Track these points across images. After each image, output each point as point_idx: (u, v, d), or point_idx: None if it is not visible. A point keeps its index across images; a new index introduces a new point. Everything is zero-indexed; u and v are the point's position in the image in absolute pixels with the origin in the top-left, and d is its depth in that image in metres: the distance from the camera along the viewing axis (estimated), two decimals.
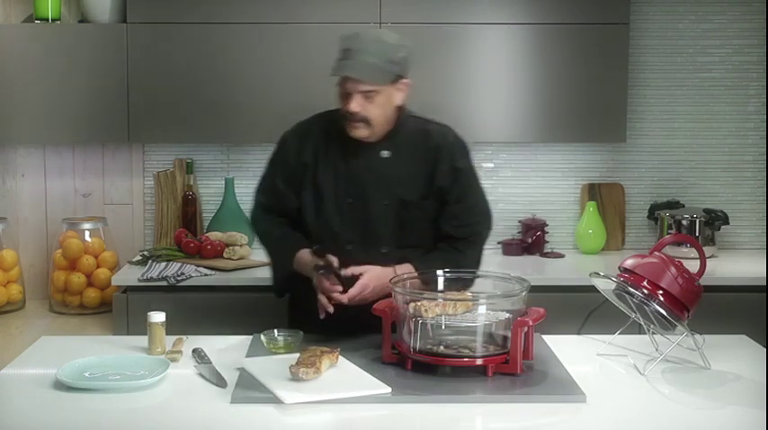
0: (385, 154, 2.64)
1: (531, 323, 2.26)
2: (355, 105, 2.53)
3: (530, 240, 3.93)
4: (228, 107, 3.63)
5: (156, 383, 2.21)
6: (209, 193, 3.99)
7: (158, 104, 3.63)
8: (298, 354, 2.28)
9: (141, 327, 2.53)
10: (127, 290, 3.44)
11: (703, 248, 2.66)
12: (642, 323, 2.49)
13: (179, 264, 3.54)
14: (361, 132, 2.58)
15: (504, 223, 4.01)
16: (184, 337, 2.53)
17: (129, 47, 3.59)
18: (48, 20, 3.67)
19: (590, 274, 2.51)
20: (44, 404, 2.11)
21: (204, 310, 3.36)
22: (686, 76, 4.03)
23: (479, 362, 2.24)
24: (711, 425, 2.05)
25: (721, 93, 4.04)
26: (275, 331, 2.49)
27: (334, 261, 2.47)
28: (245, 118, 3.63)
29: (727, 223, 3.91)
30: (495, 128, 3.71)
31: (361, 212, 2.64)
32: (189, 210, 3.91)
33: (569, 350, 2.49)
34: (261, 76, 3.61)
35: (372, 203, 2.64)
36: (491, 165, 4.03)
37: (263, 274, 3.18)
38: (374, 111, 2.55)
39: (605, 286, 2.49)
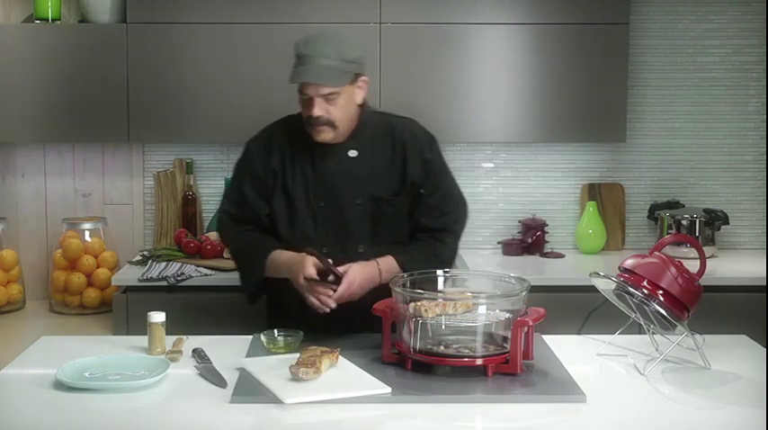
0: (352, 153, 2.65)
1: (531, 323, 2.26)
2: (318, 110, 2.54)
3: (530, 240, 3.92)
4: (228, 107, 3.63)
5: (156, 383, 2.20)
6: (209, 193, 3.99)
7: (158, 104, 3.62)
8: (298, 354, 2.28)
9: (141, 327, 2.53)
10: (127, 290, 3.44)
11: (703, 248, 2.66)
12: (642, 323, 2.48)
13: (179, 264, 3.54)
14: (326, 135, 2.58)
15: (504, 223, 4.01)
16: (184, 337, 2.53)
17: (129, 47, 3.59)
18: (48, 20, 3.67)
19: (590, 274, 2.50)
20: (44, 404, 2.11)
21: (204, 310, 3.35)
22: (686, 76, 4.02)
23: (479, 362, 2.24)
24: (711, 425, 2.05)
25: (721, 93, 4.04)
26: (275, 331, 2.49)
27: (330, 262, 2.48)
28: (245, 118, 3.61)
29: (727, 223, 3.91)
30: (494, 128, 3.71)
31: (335, 214, 2.64)
32: (189, 210, 3.91)
33: (569, 350, 2.49)
34: (261, 76, 3.61)
35: (345, 203, 2.64)
36: (491, 165, 4.03)
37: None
38: (337, 112, 2.56)
39: (605, 286, 2.49)
